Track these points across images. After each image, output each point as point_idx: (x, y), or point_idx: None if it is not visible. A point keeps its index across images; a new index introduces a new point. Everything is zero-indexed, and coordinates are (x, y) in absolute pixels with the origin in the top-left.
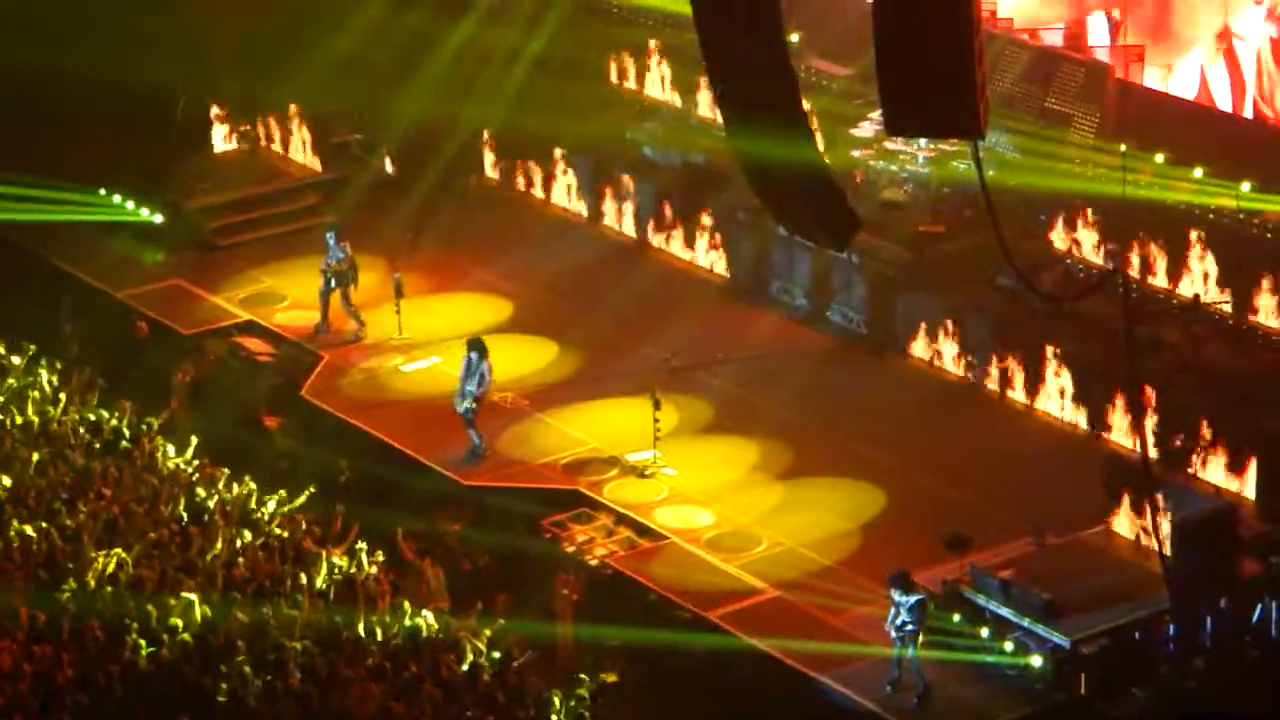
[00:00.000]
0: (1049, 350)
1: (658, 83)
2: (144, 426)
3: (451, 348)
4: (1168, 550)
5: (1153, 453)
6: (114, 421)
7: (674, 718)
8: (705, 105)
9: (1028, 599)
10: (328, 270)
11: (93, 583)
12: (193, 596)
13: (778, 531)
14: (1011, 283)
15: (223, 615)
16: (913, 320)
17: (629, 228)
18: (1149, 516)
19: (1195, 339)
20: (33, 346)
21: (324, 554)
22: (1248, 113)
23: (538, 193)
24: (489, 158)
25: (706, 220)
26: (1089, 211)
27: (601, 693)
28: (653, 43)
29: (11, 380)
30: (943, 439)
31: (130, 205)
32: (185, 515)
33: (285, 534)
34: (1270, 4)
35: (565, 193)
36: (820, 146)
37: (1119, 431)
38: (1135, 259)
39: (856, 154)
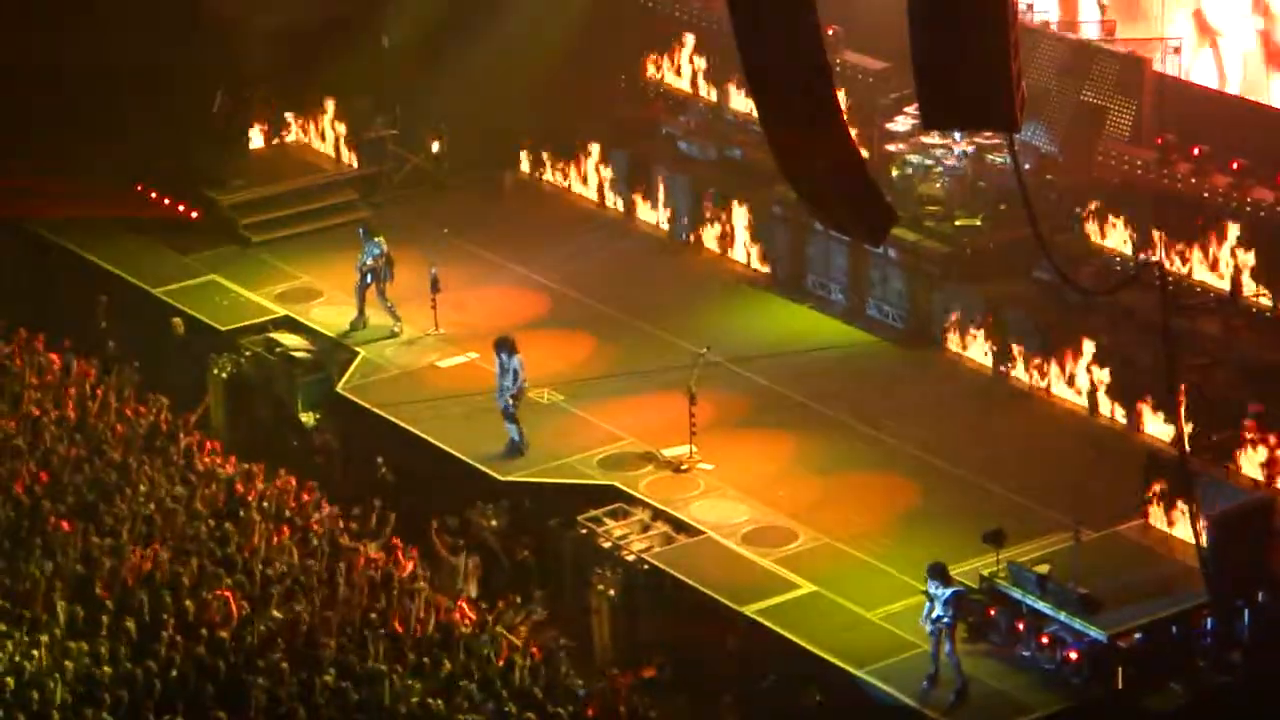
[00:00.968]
0: (1086, 343)
1: (691, 77)
2: (180, 423)
3: (487, 343)
4: (1205, 544)
5: (1190, 446)
6: (151, 418)
7: (710, 713)
8: (740, 100)
9: (1064, 593)
10: (364, 266)
11: (130, 579)
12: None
13: (814, 526)
14: (1049, 276)
15: (260, 612)
16: (950, 314)
17: (664, 222)
18: (1186, 510)
19: (1233, 331)
20: (70, 343)
21: (360, 548)
22: None
23: (574, 188)
24: (525, 153)
25: (743, 215)
26: (1125, 205)
27: (639, 687)
28: (688, 37)
29: (49, 377)
30: (979, 433)
31: (166, 202)
32: (223, 511)
33: (321, 529)
34: None
35: (601, 188)
36: (855, 140)
37: (1156, 425)
38: (1172, 252)
39: (892, 148)
